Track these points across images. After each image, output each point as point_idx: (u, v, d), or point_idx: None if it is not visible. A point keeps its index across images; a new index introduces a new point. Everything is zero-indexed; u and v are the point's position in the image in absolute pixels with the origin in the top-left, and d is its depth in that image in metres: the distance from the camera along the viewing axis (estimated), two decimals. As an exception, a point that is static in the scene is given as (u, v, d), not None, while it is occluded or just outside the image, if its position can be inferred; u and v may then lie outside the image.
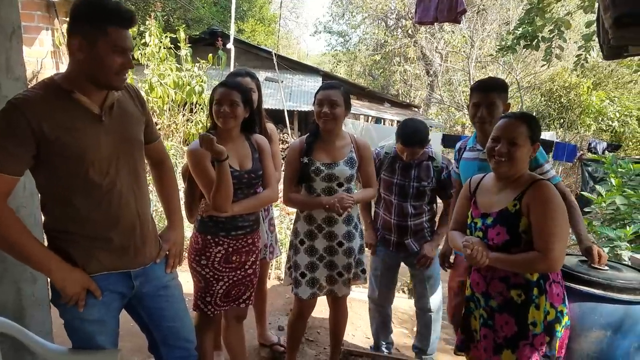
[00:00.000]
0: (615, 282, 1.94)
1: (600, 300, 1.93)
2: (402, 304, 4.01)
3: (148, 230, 1.70)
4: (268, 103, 10.71)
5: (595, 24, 2.35)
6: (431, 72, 19.47)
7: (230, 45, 5.77)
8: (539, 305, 1.76)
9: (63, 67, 7.14)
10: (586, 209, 3.47)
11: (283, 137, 10.26)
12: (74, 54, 1.45)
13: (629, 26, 2.00)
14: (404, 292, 4.48)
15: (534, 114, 13.96)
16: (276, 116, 10.21)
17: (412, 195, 2.71)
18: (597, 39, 2.46)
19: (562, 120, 13.67)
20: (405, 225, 2.73)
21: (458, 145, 2.67)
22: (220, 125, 2.11)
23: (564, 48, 5.66)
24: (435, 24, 2.93)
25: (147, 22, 7.41)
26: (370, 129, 10.90)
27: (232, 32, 5.58)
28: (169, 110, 5.61)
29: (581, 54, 5.58)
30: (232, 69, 7.46)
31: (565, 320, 1.82)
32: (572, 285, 2.00)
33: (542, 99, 14.30)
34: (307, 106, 11.02)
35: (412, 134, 2.61)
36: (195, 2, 14.22)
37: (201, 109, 6.12)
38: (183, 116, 5.68)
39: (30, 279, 2.02)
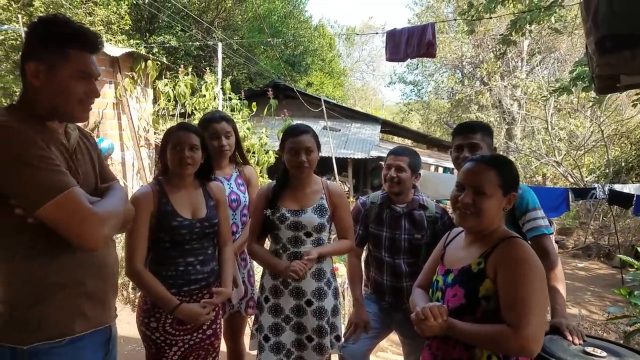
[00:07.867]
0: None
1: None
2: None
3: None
4: (322, 151, 10.69)
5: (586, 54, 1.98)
6: (508, 120, 18.53)
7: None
8: None
9: (124, 118, 7.76)
10: (627, 277, 2.82)
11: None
12: (30, 81, 1.27)
13: (612, 51, 1.64)
14: None
15: (623, 164, 12.49)
16: (326, 164, 10.16)
17: (405, 250, 2.36)
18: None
19: (657, 172, 12.07)
20: (401, 287, 2.37)
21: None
22: (177, 170, 1.98)
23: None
24: (408, 59, 2.72)
25: (204, 76, 7.95)
26: (426, 176, 10.37)
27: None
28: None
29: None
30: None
31: None
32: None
33: (633, 148, 12.80)
34: (361, 153, 10.87)
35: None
36: (258, 56, 15.14)
37: (252, 154, 6.35)
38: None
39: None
